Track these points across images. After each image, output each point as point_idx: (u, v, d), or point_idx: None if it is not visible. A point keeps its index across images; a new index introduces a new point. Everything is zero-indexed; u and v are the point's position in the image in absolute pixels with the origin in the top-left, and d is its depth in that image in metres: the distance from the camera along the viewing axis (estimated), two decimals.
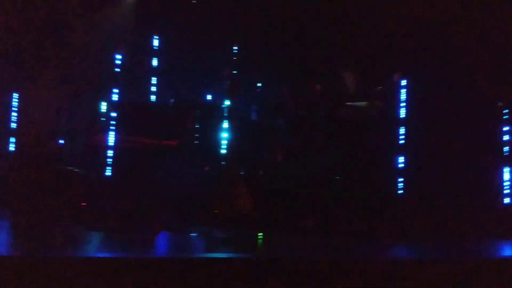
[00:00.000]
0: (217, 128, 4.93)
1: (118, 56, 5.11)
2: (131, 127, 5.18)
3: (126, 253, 3.37)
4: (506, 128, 5.13)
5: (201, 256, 3.60)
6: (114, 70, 5.11)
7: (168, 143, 5.18)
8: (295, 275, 3.13)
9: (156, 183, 5.30)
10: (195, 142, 5.20)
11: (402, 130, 5.05)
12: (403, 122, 5.05)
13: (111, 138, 4.85)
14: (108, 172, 4.74)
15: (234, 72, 5.56)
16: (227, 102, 4.98)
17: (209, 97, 5.82)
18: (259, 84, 6.21)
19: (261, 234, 4.46)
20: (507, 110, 5.14)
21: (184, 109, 5.28)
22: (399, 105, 5.06)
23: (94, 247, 3.80)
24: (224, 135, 4.89)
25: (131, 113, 5.30)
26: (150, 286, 2.97)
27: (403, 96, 5.04)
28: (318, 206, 4.92)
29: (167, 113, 5.39)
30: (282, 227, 4.81)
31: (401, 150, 5.00)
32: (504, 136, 5.13)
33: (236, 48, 6.10)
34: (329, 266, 3.17)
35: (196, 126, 5.17)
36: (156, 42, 5.99)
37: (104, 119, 5.30)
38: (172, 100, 5.54)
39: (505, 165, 5.08)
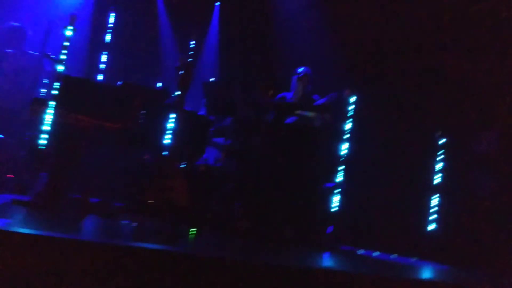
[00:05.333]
0: (162, 117, 4.83)
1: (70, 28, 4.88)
2: (73, 103, 4.96)
3: (49, 232, 3.22)
4: (439, 158, 5.40)
5: (128, 244, 3.49)
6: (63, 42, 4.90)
7: (110, 125, 5.01)
8: (218, 274, 3.09)
9: (91, 164, 5.13)
10: (138, 128, 5.06)
11: (344, 145, 5.20)
12: (346, 136, 5.20)
13: (51, 111, 4.62)
14: (42, 146, 4.51)
15: (189, 62, 5.48)
16: (177, 92, 4.90)
17: (159, 84, 5.72)
18: (212, 79, 6.18)
19: (194, 229, 4.42)
20: (443, 140, 5.41)
21: (132, 93, 5.13)
22: (345, 119, 5.21)
23: (17, 222, 3.60)
24: (169, 125, 4.80)
25: (75, 88, 5.07)
26: (72, 268, 2.86)
27: (350, 111, 5.19)
28: (254, 209, 4.94)
29: (113, 94, 5.20)
30: (216, 226, 4.80)
31: (341, 164, 5.14)
32: (436, 165, 5.41)
33: (194, 40, 6.02)
34: (251, 269, 3.16)
35: (141, 112, 5.04)
36: (112, 19, 5.83)
37: (46, 90, 5.07)
38: (120, 82, 5.37)
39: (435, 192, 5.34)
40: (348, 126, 5.21)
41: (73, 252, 2.93)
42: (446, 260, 4.85)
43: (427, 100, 5.65)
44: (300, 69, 5.74)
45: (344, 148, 5.19)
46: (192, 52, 5.61)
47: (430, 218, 5.28)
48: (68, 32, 4.82)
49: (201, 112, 5.81)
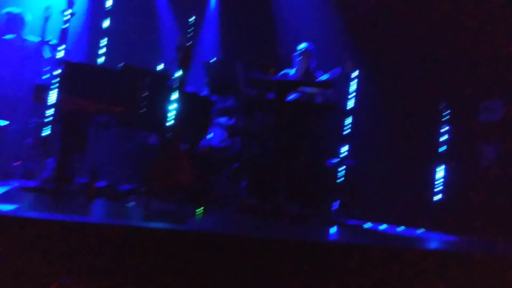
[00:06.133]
0: (164, 98, 4.82)
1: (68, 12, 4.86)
2: (76, 88, 4.96)
3: (57, 216, 3.26)
4: (444, 129, 5.38)
5: (136, 224, 3.53)
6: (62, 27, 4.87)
7: (113, 108, 5.02)
8: (226, 251, 3.12)
9: (97, 148, 5.15)
10: (141, 111, 5.06)
11: (347, 120, 5.20)
12: (349, 112, 5.20)
13: (53, 97, 4.62)
14: (46, 132, 4.54)
15: (189, 43, 5.46)
16: (178, 73, 4.87)
17: (160, 66, 5.70)
18: (213, 59, 6.14)
19: (201, 209, 4.45)
20: (447, 111, 5.39)
21: (133, 75, 5.11)
22: (347, 95, 5.19)
23: (25, 207, 3.64)
24: (171, 106, 4.79)
25: (77, 73, 5.07)
26: (84, 251, 2.89)
27: (352, 86, 5.17)
28: (260, 186, 4.96)
29: (114, 77, 5.19)
30: (222, 204, 4.83)
31: (345, 138, 5.15)
32: (441, 136, 5.39)
33: (193, 20, 5.98)
34: (259, 244, 3.18)
35: (143, 94, 5.04)
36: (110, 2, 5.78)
37: (48, 77, 5.08)
38: (120, 65, 5.36)
39: (440, 163, 5.33)
40: (351, 100, 5.19)
41: (81, 235, 2.97)
42: (452, 231, 4.86)
43: (431, 70, 5.60)
44: (302, 46, 5.70)
45: (348, 122, 5.18)
46: (192, 32, 5.59)
47: (436, 189, 5.28)
48: (67, 17, 4.79)
49: (204, 93, 5.79)
